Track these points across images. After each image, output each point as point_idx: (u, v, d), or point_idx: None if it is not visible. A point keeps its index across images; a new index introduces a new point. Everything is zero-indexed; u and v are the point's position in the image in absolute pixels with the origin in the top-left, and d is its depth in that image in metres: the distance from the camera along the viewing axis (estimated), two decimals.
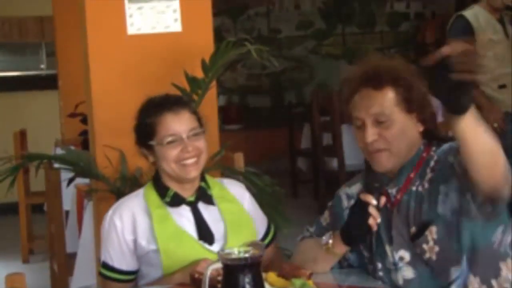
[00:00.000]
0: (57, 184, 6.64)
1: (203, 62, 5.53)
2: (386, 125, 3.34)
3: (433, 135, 3.50)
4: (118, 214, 3.89)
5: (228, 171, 4.93)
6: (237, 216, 3.96)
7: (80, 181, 5.92)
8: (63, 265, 6.51)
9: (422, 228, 3.30)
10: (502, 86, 7.16)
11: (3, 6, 12.05)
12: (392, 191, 3.45)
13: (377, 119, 3.34)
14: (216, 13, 5.71)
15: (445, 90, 2.88)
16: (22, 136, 9.45)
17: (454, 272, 3.28)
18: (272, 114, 15.45)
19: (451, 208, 3.29)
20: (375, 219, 3.19)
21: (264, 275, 3.27)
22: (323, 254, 3.41)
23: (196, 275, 3.47)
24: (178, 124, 3.82)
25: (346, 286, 3.51)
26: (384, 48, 16.43)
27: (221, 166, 4.54)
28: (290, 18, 16.33)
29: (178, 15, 5.81)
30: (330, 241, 3.37)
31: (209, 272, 3.21)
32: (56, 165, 6.27)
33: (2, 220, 10.75)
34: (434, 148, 3.46)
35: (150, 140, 3.86)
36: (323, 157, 11.58)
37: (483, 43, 7.80)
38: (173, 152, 3.79)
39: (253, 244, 3.23)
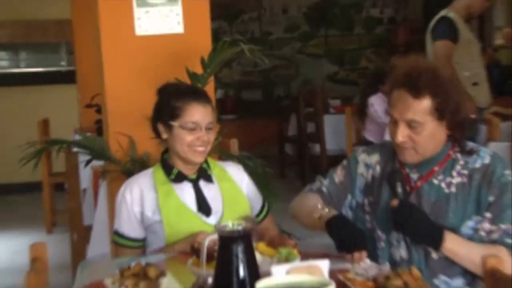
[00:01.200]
0: (76, 165, 6.67)
1: (202, 60, 5.52)
2: (417, 130, 3.33)
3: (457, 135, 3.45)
4: (128, 189, 3.98)
5: (225, 155, 4.93)
6: (234, 194, 4.01)
7: (95, 163, 5.93)
8: (81, 236, 6.53)
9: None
10: (475, 84, 7.17)
11: (27, 10, 12.04)
12: (414, 176, 3.45)
13: (409, 123, 3.32)
14: (214, 17, 5.65)
15: (415, 232, 3.23)
16: (45, 124, 9.45)
17: None
18: (263, 106, 15.44)
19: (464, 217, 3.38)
20: (358, 259, 3.17)
21: (255, 245, 3.27)
22: (313, 216, 3.40)
23: (196, 245, 3.50)
24: (203, 115, 3.90)
25: (334, 253, 3.47)
26: (361, 48, 16.42)
27: (219, 151, 4.55)
28: (279, 22, 16.29)
29: (180, 18, 5.78)
30: (323, 213, 3.37)
31: (207, 243, 3.26)
32: (75, 149, 6.30)
33: (28, 197, 10.74)
34: (457, 149, 3.46)
35: (172, 120, 3.91)
36: (307, 143, 11.58)
37: (464, 43, 7.78)
38: (189, 137, 3.87)
39: (246, 219, 3.27)
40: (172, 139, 3.94)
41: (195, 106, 3.89)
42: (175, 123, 3.89)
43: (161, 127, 4.00)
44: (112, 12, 5.70)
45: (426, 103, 3.32)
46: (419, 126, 3.33)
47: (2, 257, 8.32)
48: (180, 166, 3.96)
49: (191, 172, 3.98)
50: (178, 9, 5.80)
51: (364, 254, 3.14)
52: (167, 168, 3.98)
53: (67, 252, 7.19)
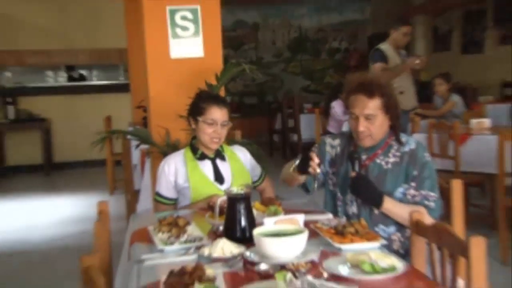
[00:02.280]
0: (129, 148, 6.64)
1: (216, 75, 5.49)
2: (372, 121, 3.34)
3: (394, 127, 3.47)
4: (167, 164, 4.01)
5: (232, 141, 4.89)
6: (240, 169, 4.04)
7: (142, 146, 5.92)
8: (132, 197, 6.49)
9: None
10: (401, 92, 7.15)
11: (98, 42, 12.02)
12: (364, 157, 3.43)
13: (366, 117, 3.33)
14: (224, 47, 5.63)
15: (367, 197, 3.30)
16: (108, 120, 9.40)
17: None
18: (258, 108, 15.40)
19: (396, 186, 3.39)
20: (313, 169, 3.23)
21: (252, 203, 3.26)
22: (290, 170, 3.45)
23: (211, 204, 3.54)
24: (219, 114, 3.91)
25: (307, 210, 3.41)
26: (325, 69, 16.36)
27: (227, 138, 4.51)
28: (269, 50, 16.22)
29: (201, 47, 5.73)
30: (294, 165, 3.41)
31: (219, 202, 3.27)
32: (128, 137, 6.32)
33: (97, 170, 10.72)
34: (391, 137, 3.46)
35: (198, 116, 3.92)
36: (288, 134, 11.56)
37: (393, 64, 7.79)
38: (209, 130, 3.88)
39: (246, 186, 3.23)
40: (197, 130, 3.95)
41: (214, 108, 3.90)
42: (200, 118, 3.91)
43: (191, 120, 4.02)
44: (155, 43, 5.67)
45: (377, 101, 3.34)
46: (373, 118, 3.34)
47: (79, 210, 8.28)
48: (203, 148, 3.98)
49: (210, 153, 3.99)
50: (200, 40, 5.75)
51: (314, 161, 3.25)
52: (194, 150, 3.99)
53: (123, 208, 7.17)
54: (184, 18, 5.78)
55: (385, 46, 8.01)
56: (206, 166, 3.97)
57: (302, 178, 3.54)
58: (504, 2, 11.33)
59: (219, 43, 5.88)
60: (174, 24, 5.76)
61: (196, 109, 3.98)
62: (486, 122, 6.93)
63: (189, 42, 5.80)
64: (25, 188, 10.25)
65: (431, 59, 14.99)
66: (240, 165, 4.08)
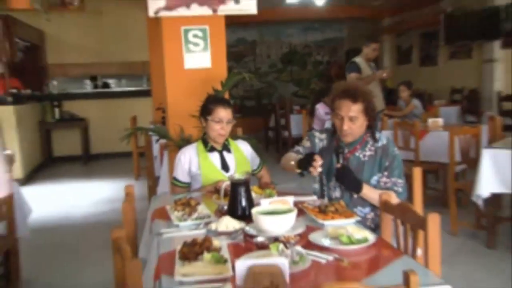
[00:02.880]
0: (150, 142, 6.60)
1: (221, 82, 5.46)
2: (354, 122, 3.29)
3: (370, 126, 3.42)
4: (182, 154, 3.98)
5: (235, 136, 4.84)
6: (241, 160, 3.99)
7: (161, 141, 5.87)
8: (153, 182, 6.48)
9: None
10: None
11: (126, 56, 12.08)
12: (346, 151, 3.39)
13: (350, 118, 3.28)
14: (228, 59, 5.64)
15: (349, 184, 3.25)
16: (134, 119, 9.34)
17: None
18: (255, 109, 15.37)
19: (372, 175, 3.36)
20: (315, 169, 3.12)
21: (251, 187, 3.23)
22: (291, 164, 3.37)
23: (217, 187, 3.52)
24: (224, 114, 3.87)
25: (296, 192, 3.39)
26: (311, 77, 16.34)
27: (231, 134, 4.49)
28: (265, 62, 16.23)
29: (209, 59, 5.69)
30: (296, 160, 3.33)
31: (224, 186, 3.27)
32: (150, 133, 6.26)
33: (125, 160, 10.63)
34: (369, 133, 3.42)
35: (207, 115, 3.89)
36: (281, 131, 11.46)
37: (365, 75, 7.82)
38: (216, 127, 3.85)
39: (246, 173, 3.19)
40: (207, 127, 3.92)
41: (221, 108, 3.87)
42: (209, 117, 3.88)
43: (202, 119, 3.98)
44: (171, 56, 5.63)
45: (360, 105, 3.30)
46: (355, 119, 3.30)
47: (110, 192, 8.26)
48: (212, 143, 3.94)
49: (218, 146, 3.95)
50: (208, 54, 5.72)
51: (317, 163, 3.13)
52: (205, 143, 3.96)
53: (146, 191, 7.16)
54: (195, 36, 5.75)
55: (358, 59, 8.11)
56: (214, 157, 3.93)
57: (299, 169, 3.44)
58: (452, 26, 11.44)
59: (224, 56, 5.85)
60: (187, 41, 5.73)
61: (205, 110, 3.94)
62: (440, 121, 6.94)
63: (199, 56, 5.76)
64: (68, 175, 10.25)
65: (396, 70, 15.07)
66: (242, 156, 4.03)
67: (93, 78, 12.75)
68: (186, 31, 5.76)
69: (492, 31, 10.52)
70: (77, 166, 11.26)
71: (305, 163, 3.21)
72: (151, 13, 5.73)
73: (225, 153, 3.96)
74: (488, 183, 5.09)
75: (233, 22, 10.43)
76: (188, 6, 5.72)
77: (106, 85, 12.77)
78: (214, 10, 5.78)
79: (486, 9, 10.60)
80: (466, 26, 11.10)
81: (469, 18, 11.06)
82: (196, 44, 5.77)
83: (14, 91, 9.64)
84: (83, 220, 6.85)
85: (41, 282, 4.89)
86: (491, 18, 10.47)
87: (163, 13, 5.72)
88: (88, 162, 11.55)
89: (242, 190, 3.03)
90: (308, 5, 7.96)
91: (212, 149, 3.94)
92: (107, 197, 8.04)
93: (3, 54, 9.52)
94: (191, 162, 3.93)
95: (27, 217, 4.79)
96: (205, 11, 5.75)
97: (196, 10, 5.74)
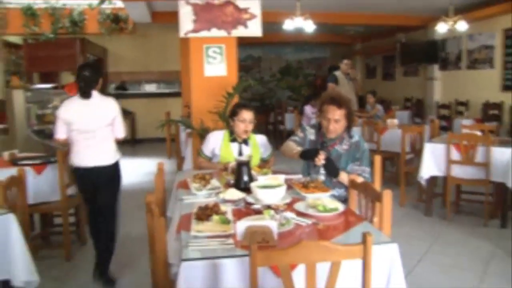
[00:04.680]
0: (179, 131, 6.58)
1: (233, 87, 5.41)
2: (338, 123, 3.22)
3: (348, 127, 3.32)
4: (212, 136, 3.92)
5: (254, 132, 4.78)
6: (255, 151, 3.81)
7: (187, 130, 5.82)
8: (180, 160, 6.48)
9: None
10: None
11: (164, 66, 12.08)
12: (328, 145, 3.30)
13: (335, 121, 3.21)
14: (239, 70, 5.61)
15: (330, 171, 3.12)
16: (168, 113, 9.13)
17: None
18: (260, 108, 15.05)
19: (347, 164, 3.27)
20: (319, 160, 3.02)
21: (252, 167, 3.19)
22: (293, 152, 3.23)
23: (227, 166, 3.46)
24: (248, 115, 3.75)
25: (287, 172, 3.36)
26: (301, 86, 16.17)
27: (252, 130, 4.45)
28: (267, 73, 16.06)
29: (225, 69, 5.70)
30: (298, 149, 3.22)
31: (231, 165, 3.29)
32: (179, 124, 6.20)
33: (161, 143, 10.48)
34: (346, 132, 3.31)
35: (234, 116, 3.77)
36: (278, 125, 11.40)
37: (341, 86, 7.86)
38: (241, 125, 3.74)
39: (248, 156, 3.14)
40: (234, 125, 3.78)
41: (245, 111, 3.74)
42: (235, 118, 3.76)
43: (230, 119, 3.83)
44: (195, 66, 5.63)
45: (343, 110, 3.22)
46: (339, 121, 3.22)
47: (149, 167, 8.19)
48: (236, 136, 3.80)
49: (240, 139, 3.80)
50: (223, 65, 5.70)
51: (321, 156, 3.03)
52: (231, 134, 3.82)
53: (175, 167, 7.11)
54: (214, 51, 5.72)
55: (337, 73, 8.24)
56: (234, 147, 3.79)
57: (298, 157, 3.29)
58: (405, 52, 11.61)
59: (235, 67, 5.83)
60: (207, 55, 5.70)
61: (233, 113, 3.81)
62: (395, 121, 6.87)
63: (216, 66, 5.73)
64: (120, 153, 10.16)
65: (365, 82, 15.06)
66: (256, 148, 3.87)
67: (140, 83, 12.67)
68: (207, 48, 5.72)
69: (432, 57, 10.81)
70: (126, 147, 11.10)
71: (312, 155, 3.09)
72: (181, 34, 5.69)
73: (243, 145, 3.82)
74: (428, 168, 5.16)
75: (244, 42, 10.33)
76: (209, 29, 5.68)
77: (149, 88, 12.70)
78: (229, 33, 5.73)
79: (428, 41, 10.82)
80: (414, 52, 11.34)
81: (417, 47, 11.28)
82: (214, 58, 5.72)
83: None
84: (130, 187, 6.73)
85: None
86: (432, 48, 10.75)
87: (191, 35, 5.68)
88: (134, 145, 11.48)
89: (244, 169, 2.98)
90: (301, 31, 7.86)
91: (234, 140, 3.81)
92: (147, 171, 7.94)
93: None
94: (216, 144, 3.83)
95: None
96: (222, 33, 5.72)
97: (215, 32, 5.70)
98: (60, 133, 3.65)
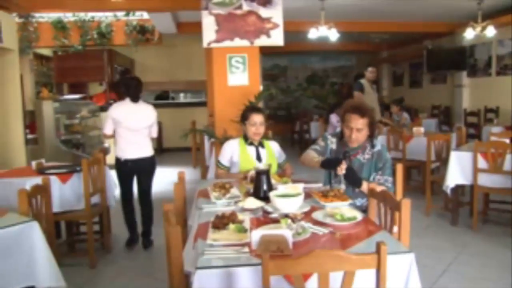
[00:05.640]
0: (203, 139, 6.61)
1: (255, 96, 5.47)
2: (360, 132, 3.20)
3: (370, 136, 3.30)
4: (227, 145, 3.91)
5: (267, 138, 4.79)
6: (271, 154, 3.87)
7: (212, 139, 5.87)
8: (204, 169, 6.51)
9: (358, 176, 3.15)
10: (372, 110, 7.12)
11: (190, 75, 12.21)
12: (350, 154, 3.27)
13: (358, 130, 3.19)
14: (265, 79, 5.69)
15: (352, 181, 3.08)
16: (193, 123, 9.28)
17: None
18: (285, 117, 15.15)
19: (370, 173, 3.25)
20: (341, 170, 2.98)
21: (271, 176, 3.17)
22: (313, 161, 3.24)
23: (246, 175, 3.43)
24: (258, 118, 3.78)
25: (307, 180, 3.36)
26: (328, 94, 16.02)
27: (264, 136, 4.46)
28: (293, 82, 16.08)
29: (247, 78, 5.76)
30: (318, 159, 3.21)
31: (250, 174, 3.26)
32: (204, 133, 6.23)
33: (185, 153, 10.60)
34: (368, 141, 3.28)
35: (245, 120, 3.81)
36: (303, 134, 11.38)
37: (368, 93, 7.89)
38: (252, 128, 3.77)
39: (267, 165, 3.14)
40: (246, 129, 3.82)
41: (254, 115, 3.78)
42: (246, 122, 3.80)
43: (242, 123, 3.88)
44: (219, 76, 5.69)
45: (366, 120, 3.20)
46: (361, 130, 3.20)
47: (173, 178, 8.25)
48: (251, 139, 3.83)
49: (255, 143, 3.84)
50: (246, 74, 5.75)
51: (342, 166, 3.00)
52: (245, 139, 3.85)
53: (200, 176, 7.12)
54: (237, 61, 5.76)
55: (363, 81, 8.16)
56: (251, 150, 3.83)
57: (318, 166, 3.26)
58: (432, 59, 11.41)
59: (258, 76, 5.87)
60: (230, 65, 5.75)
61: (244, 117, 3.85)
62: (421, 129, 6.76)
63: (239, 76, 5.78)
64: None
65: (392, 90, 14.97)
66: (272, 152, 3.91)
67: (167, 92, 12.83)
68: (230, 58, 5.77)
69: (461, 64, 10.69)
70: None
71: (333, 164, 3.07)
72: (205, 44, 5.75)
73: (259, 148, 3.86)
74: (454, 176, 5.07)
75: (270, 52, 10.37)
76: (232, 39, 5.73)
77: (175, 98, 12.84)
78: (251, 42, 5.77)
79: (456, 48, 10.71)
80: (442, 59, 11.19)
81: (444, 54, 11.15)
82: (237, 67, 5.77)
83: (112, 101, 9.83)
84: (155, 196, 6.78)
85: (124, 236, 4.96)
86: (460, 54, 10.64)
87: (214, 45, 5.74)
88: (161, 154, 11.56)
89: (264, 178, 2.97)
90: (326, 40, 7.92)
91: (250, 144, 3.84)
92: (173, 180, 7.96)
93: (107, 77, 9.97)
94: (233, 152, 3.84)
95: (114, 191, 4.86)
96: (244, 43, 5.76)
97: (238, 42, 5.75)
98: (108, 129, 4.58)
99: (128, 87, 4.56)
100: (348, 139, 3.29)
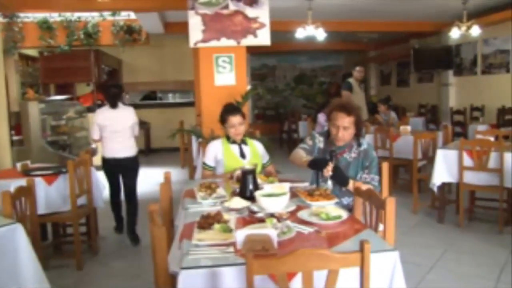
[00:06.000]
0: (190, 139, 6.60)
1: (242, 96, 5.45)
2: (347, 130, 3.20)
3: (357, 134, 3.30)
4: (211, 145, 3.92)
5: (252, 137, 4.78)
6: (255, 152, 3.86)
7: (198, 139, 5.85)
8: (192, 169, 6.47)
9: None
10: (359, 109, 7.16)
11: (178, 76, 12.14)
12: (337, 153, 3.27)
13: (344, 128, 3.19)
14: (254, 79, 5.66)
15: (339, 180, 3.06)
16: (181, 123, 9.27)
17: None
18: (274, 117, 15.13)
19: (357, 172, 3.27)
20: (327, 172, 2.98)
21: (257, 175, 3.18)
22: (301, 161, 3.21)
23: (233, 174, 3.44)
24: (235, 120, 3.78)
25: (292, 180, 3.36)
26: (316, 93, 16.11)
27: (250, 135, 4.45)
28: (282, 82, 16.09)
29: (234, 78, 5.73)
30: (306, 158, 3.19)
31: (236, 173, 3.28)
32: (191, 133, 6.22)
33: (172, 154, 10.56)
34: (354, 140, 3.29)
35: (224, 123, 3.82)
36: (292, 133, 11.39)
37: (355, 92, 7.97)
38: (232, 130, 3.78)
39: (254, 164, 3.13)
40: (226, 131, 3.83)
41: (231, 117, 3.78)
42: (225, 125, 3.82)
43: (222, 125, 3.88)
44: (206, 76, 5.67)
45: (352, 118, 3.21)
46: (348, 129, 3.20)
47: (161, 178, 8.21)
48: (233, 138, 3.82)
49: (238, 141, 3.83)
50: (233, 74, 5.74)
51: (329, 168, 2.99)
52: (228, 138, 3.84)
53: (187, 175, 7.10)
54: (223, 61, 5.76)
55: (351, 80, 8.23)
56: (234, 148, 3.82)
57: (306, 166, 3.25)
58: (419, 58, 11.45)
59: (245, 76, 5.87)
60: (217, 65, 5.74)
61: (222, 119, 3.86)
62: (408, 128, 6.80)
63: (226, 75, 5.77)
64: None
65: (379, 89, 15.02)
66: (255, 150, 3.90)
67: (155, 93, 12.77)
68: (217, 57, 5.77)
69: (447, 63, 10.76)
70: (141, 156, 11.16)
71: (320, 166, 3.07)
72: (191, 44, 5.74)
73: (242, 146, 3.85)
74: (440, 174, 5.11)
75: (258, 52, 10.38)
76: (218, 39, 5.73)
77: (163, 98, 12.79)
78: (238, 42, 5.77)
79: (442, 47, 10.79)
80: (428, 58, 11.26)
81: (430, 53, 11.22)
82: (224, 67, 5.76)
83: (99, 102, 9.76)
84: (143, 196, 6.77)
85: (111, 238, 5.00)
86: (446, 53, 10.72)
87: (200, 45, 5.73)
88: (149, 154, 11.56)
89: (250, 177, 2.97)
90: (313, 39, 7.95)
91: (233, 142, 3.83)
92: (161, 180, 7.94)
93: (94, 77, 9.88)
94: (217, 151, 3.84)
95: (102, 192, 4.84)
96: (231, 43, 5.76)
97: (225, 42, 5.75)
98: (95, 135, 4.98)
99: (107, 94, 4.98)
100: (335, 138, 3.29)
